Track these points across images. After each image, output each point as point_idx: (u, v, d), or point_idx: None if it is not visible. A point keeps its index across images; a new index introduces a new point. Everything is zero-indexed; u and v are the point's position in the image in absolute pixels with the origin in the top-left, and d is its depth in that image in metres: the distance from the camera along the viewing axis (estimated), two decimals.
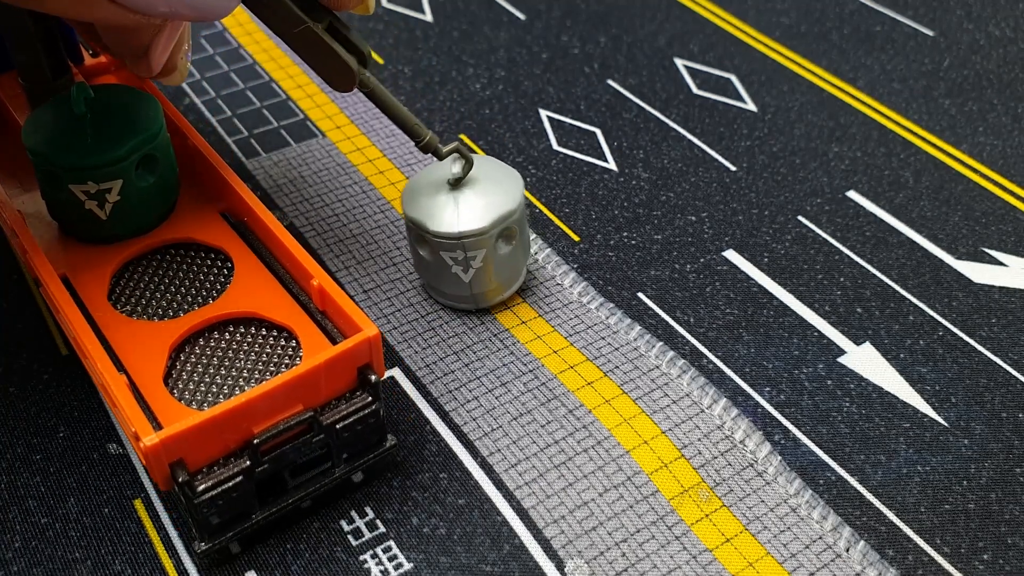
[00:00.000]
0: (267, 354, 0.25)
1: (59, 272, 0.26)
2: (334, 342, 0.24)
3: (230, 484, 0.22)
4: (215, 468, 0.22)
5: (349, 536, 0.24)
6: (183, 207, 0.28)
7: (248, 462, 0.22)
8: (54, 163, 0.25)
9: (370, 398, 0.24)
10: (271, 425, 0.22)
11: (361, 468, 0.25)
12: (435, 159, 0.30)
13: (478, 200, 0.28)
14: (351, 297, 0.30)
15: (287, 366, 0.24)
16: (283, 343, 0.25)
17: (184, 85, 0.39)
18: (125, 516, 0.25)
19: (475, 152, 0.36)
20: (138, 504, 0.25)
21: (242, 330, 0.25)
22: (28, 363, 0.28)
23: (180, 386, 0.24)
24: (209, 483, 0.22)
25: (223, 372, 0.24)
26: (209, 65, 0.40)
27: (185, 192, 0.28)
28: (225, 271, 0.27)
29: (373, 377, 0.23)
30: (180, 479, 0.21)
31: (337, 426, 0.23)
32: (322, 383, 0.23)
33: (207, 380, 0.24)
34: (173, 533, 0.24)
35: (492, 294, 0.29)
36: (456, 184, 0.28)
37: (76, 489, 0.25)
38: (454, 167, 0.28)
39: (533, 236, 0.33)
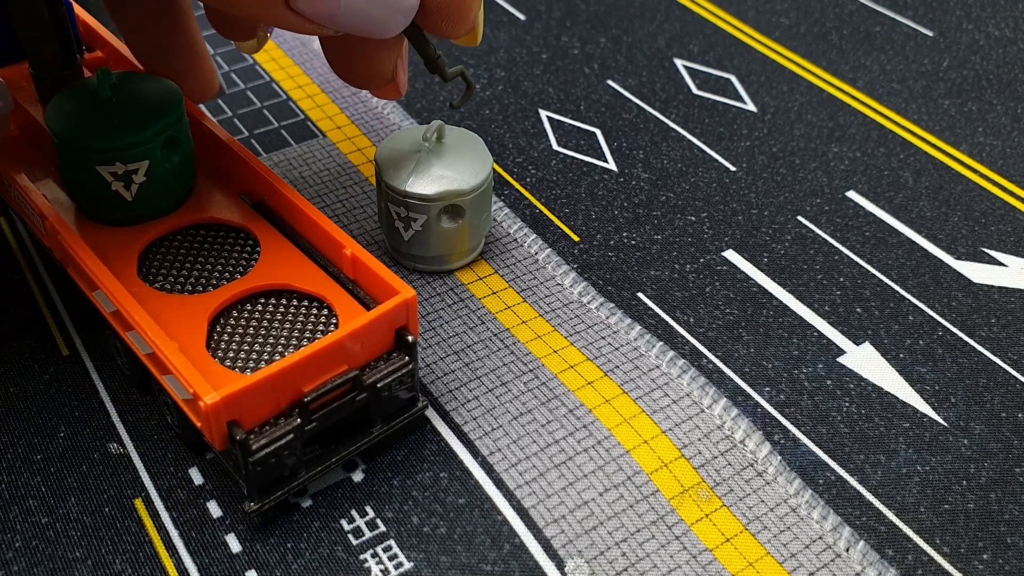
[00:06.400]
0: (302, 322, 0.25)
1: None
2: (367, 308, 0.25)
3: (282, 442, 0.23)
4: (266, 428, 0.23)
5: (349, 535, 0.24)
6: (201, 190, 0.28)
7: (299, 420, 0.23)
8: (83, 146, 0.25)
9: (407, 358, 0.25)
10: (320, 384, 0.23)
11: (397, 427, 0.26)
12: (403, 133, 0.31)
13: (462, 158, 0.30)
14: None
15: (322, 333, 0.25)
16: (316, 311, 0.26)
17: None
18: (126, 516, 0.25)
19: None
20: (139, 504, 0.25)
21: (274, 301, 0.26)
22: (28, 363, 0.28)
23: (221, 354, 0.24)
24: (263, 441, 0.23)
25: (262, 339, 0.25)
26: None
27: (202, 176, 0.29)
28: (250, 247, 0.27)
29: (410, 338, 0.24)
30: (237, 437, 0.22)
31: (378, 385, 0.24)
32: (364, 344, 0.24)
33: (246, 348, 0.25)
34: (174, 532, 0.24)
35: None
36: (436, 143, 0.30)
37: (77, 489, 0.25)
38: (427, 133, 0.30)
39: (533, 236, 0.33)
